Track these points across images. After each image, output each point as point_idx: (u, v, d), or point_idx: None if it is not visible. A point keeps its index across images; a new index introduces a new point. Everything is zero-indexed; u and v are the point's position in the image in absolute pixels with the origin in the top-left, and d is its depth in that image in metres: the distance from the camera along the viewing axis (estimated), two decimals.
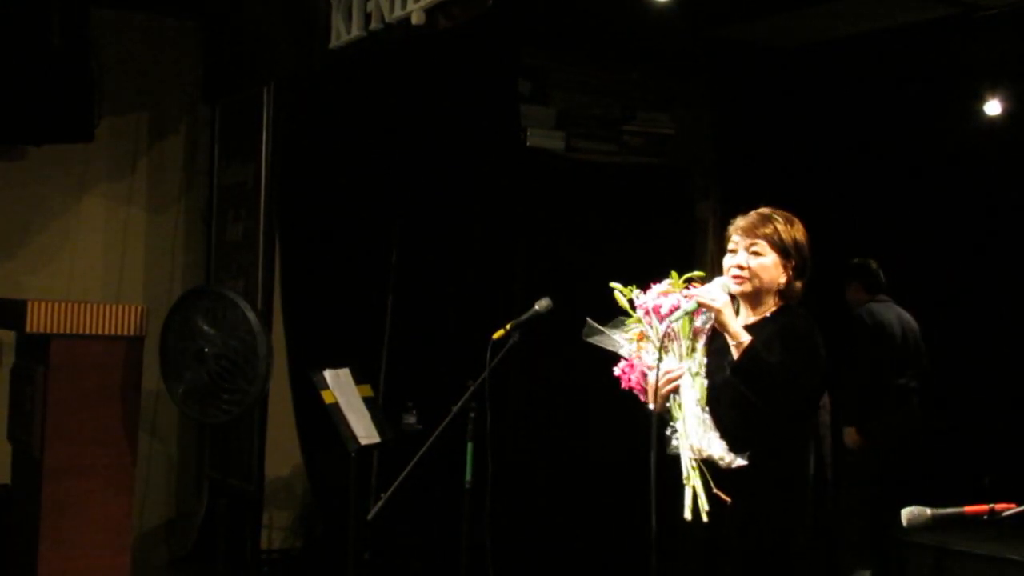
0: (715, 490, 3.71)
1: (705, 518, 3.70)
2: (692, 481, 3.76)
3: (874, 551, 7.32)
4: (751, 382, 3.73)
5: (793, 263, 3.88)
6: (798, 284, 3.91)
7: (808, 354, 3.77)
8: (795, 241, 3.88)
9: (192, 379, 5.93)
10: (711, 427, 3.81)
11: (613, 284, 4.07)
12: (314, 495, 7.48)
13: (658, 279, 4.02)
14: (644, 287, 4.06)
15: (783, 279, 3.88)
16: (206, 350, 5.91)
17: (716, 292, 3.82)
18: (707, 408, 3.83)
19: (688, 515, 3.73)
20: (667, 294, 3.93)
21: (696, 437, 3.79)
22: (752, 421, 3.77)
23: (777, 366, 3.70)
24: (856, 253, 7.77)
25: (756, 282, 3.88)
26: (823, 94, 7.90)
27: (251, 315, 6.07)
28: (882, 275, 7.67)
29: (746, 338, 3.75)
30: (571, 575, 7.30)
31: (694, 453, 3.78)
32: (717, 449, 3.76)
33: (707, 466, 3.77)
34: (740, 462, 3.74)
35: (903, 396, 7.52)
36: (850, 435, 7.42)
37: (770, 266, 3.87)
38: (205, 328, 5.94)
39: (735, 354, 3.76)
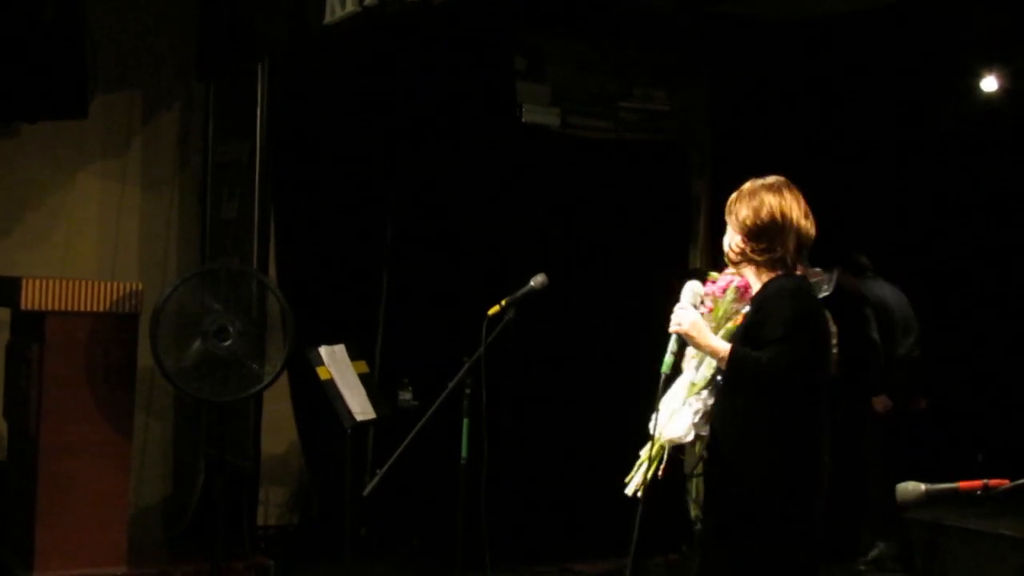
0: (660, 473, 3.89)
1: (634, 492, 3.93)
2: (643, 459, 3.93)
3: (894, 525, 7.33)
4: (747, 387, 3.77)
5: (763, 244, 3.85)
6: (780, 251, 3.85)
7: (790, 338, 3.73)
8: (748, 224, 3.85)
9: (203, 356, 5.90)
10: (683, 414, 3.89)
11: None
12: (310, 471, 7.49)
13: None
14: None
15: (758, 257, 3.87)
16: (227, 328, 5.89)
17: (681, 315, 3.89)
18: (693, 398, 3.91)
19: (629, 491, 3.93)
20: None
21: (659, 425, 3.92)
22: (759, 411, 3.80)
23: (764, 362, 3.72)
24: (852, 230, 7.78)
25: (735, 257, 3.91)
26: (820, 71, 7.89)
27: (276, 292, 6.12)
28: (864, 256, 7.64)
29: (725, 348, 3.80)
30: (566, 549, 7.33)
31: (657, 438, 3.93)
32: (675, 430, 3.87)
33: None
34: (689, 438, 3.83)
35: (905, 366, 7.54)
36: (880, 402, 7.40)
37: (742, 245, 3.89)
38: (218, 306, 5.92)
39: (722, 367, 3.82)
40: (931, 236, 8.17)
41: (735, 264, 3.92)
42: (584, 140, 7.79)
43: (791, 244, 3.82)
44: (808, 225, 3.86)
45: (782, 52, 7.84)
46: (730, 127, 8.18)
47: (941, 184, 8.23)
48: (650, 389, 8.19)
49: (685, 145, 8.17)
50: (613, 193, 7.78)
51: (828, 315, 4.03)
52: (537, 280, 5.29)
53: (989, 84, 7.86)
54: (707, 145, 8.30)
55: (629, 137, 7.93)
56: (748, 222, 3.84)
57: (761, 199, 3.85)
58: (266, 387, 6.18)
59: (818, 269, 4.38)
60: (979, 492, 3.24)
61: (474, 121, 7.49)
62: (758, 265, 3.87)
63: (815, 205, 4.12)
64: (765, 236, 3.83)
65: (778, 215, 3.82)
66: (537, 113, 7.61)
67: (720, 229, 8.54)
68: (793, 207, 3.83)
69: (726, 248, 3.95)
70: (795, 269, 3.85)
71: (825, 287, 4.45)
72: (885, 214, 8.07)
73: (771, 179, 3.92)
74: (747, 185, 3.93)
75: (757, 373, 3.74)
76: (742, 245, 3.87)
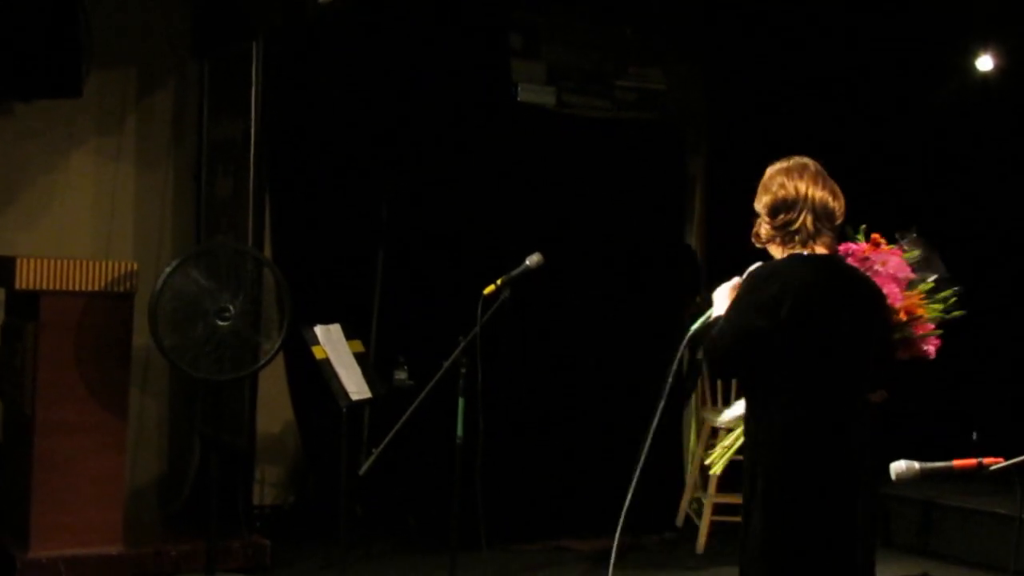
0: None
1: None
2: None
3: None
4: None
5: (779, 220, 3.89)
6: (794, 226, 3.87)
7: (729, 310, 3.81)
8: (767, 204, 3.91)
9: (203, 336, 5.88)
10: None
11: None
12: (306, 451, 7.50)
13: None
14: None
15: (778, 234, 3.90)
16: (228, 307, 5.88)
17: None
18: None
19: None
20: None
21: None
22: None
23: (708, 336, 3.83)
24: (848, 208, 7.77)
25: (764, 237, 3.95)
26: (814, 49, 7.87)
27: (274, 269, 6.13)
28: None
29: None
30: (561, 528, 7.34)
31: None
32: (727, 413, 4.05)
33: None
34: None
35: None
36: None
37: (765, 224, 3.94)
38: (216, 285, 5.91)
39: None
40: (924, 213, 8.16)
41: (763, 243, 3.96)
42: (580, 119, 7.77)
43: (806, 219, 3.85)
44: (826, 197, 3.88)
45: (776, 30, 7.82)
46: (726, 105, 8.17)
47: (937, 162, 8.23)
48: (644, 368, 8.24)
49: (681, 124, 8.16)
50: (609, 172, 7.77)
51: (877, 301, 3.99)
52: (532, 259, 5.29)
53: (985, 63, 7.84)
54: (703, 124, 8.29)
55: (625, 116, 7.92)
56: (766, 202, 3.90)
57: (776, 179, 3.92)
58: (265, 365, 6.19)
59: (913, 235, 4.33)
60: (974, 471, 3.25)
61: (469, 100, 7.47)
62: (779, 242, 3.91)
63: None
64: (780, 212, 3.87)
65: (791, 191, 3.87)
66: (533, 92, 7.59)
67: (715, 207, 8.60)
68: (808, 182, 3.88)
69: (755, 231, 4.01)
70: (812, 243, 3.86)
71: (917, 253, 4.38)
72: (880, 191, 8.06)
73: (789, 159, 3.98)
74: (768, 170, 3.99)
75: (705, 347, 3.85)
76: (765, 224, 3.93)
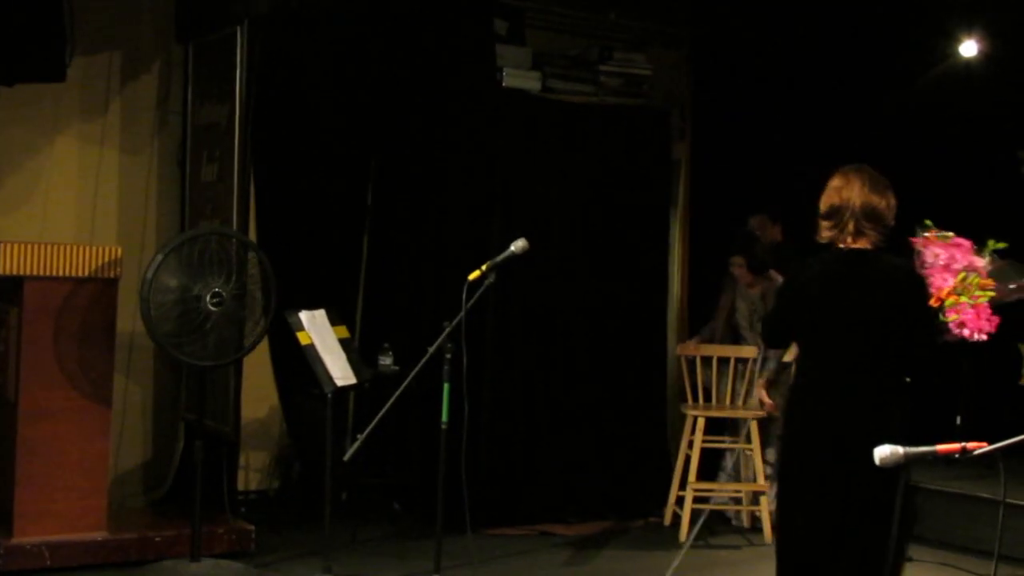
0: None
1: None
2: None
3: None
4: None
5: (829, 223, 4.40)
6: (840, 227, 4.37)
7: (773, 304, 4.72)
8: (823, 211, 4.41)
9: (192, 321, 5.86)
10: None
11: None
12: (291, 436, 7.49)
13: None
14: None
15: (829, 234, 4.42)
16: (219, 292, 5.86)
17: None
18: None
19: None
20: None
21: None
22: None
23: None
24: None
25: (825, 236, 4.43)
26: (800, 34, 7.87)
27: (260, 254, 6.11)
28: None
29: None
30: (545, 513, 7.35)
31: None
32: None
33: None
34: None
35: None
36: None
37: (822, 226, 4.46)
38: (204, 271, 5.89)
39: None
40: (910, 197, 8.18)
41: (824, 241, 4.40)
42: (565, 104, 7.76)
43: (849, 222, 4.33)
44: (872, 201, 4.33)
45: (762, 15, 7.82)
46: (711, 91, 8.17)
47: (921, 145, 8.23)
48: (629, 353, 8.21)
49: (666, 109, 8.15)
50: (594, 157, 7.76)
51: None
52: (518, 245, 5.29)
53: (968, 48, 7.84)
54: (688, 109, 8.29)
55: (610, 101, 7.91)
56: (823, 209, 4.40)
57: (832, 189, 4.40)
58: (250, 350, 6.18)
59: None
60: (957, 455, 3.26)
61: (455, 85, 7.46)
62: (834, 241, 4.37)
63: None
64: (830, 216, 4.38)
65: (837, 197, 4.36)
66: (518, 77, 7.58)
67: (700, 192, 8.57)
68: (856, 190, 4.34)
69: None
70: (854, 241, 4.32)
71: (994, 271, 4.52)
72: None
73: (847, 170, 4.42)
74: (830, 180, 4.45)
75: None
76: (823, 226, 4.40)
